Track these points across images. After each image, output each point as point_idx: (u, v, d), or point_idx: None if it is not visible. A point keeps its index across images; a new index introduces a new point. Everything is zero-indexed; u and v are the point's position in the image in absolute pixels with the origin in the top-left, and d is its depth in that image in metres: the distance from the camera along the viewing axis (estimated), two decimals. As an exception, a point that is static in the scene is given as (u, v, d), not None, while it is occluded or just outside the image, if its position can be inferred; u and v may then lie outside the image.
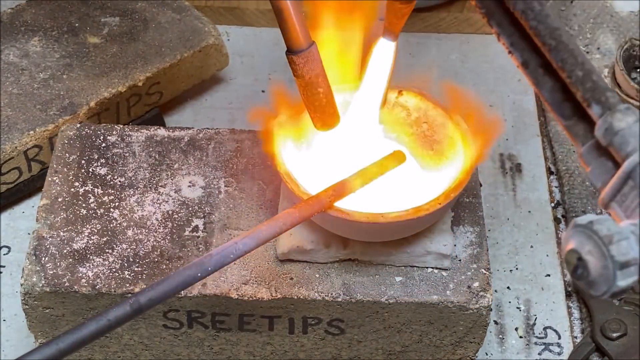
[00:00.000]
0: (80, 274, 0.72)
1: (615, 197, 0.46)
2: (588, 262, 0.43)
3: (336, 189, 0.67)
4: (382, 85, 0.73)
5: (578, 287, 0.44)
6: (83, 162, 0.79)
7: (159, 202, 0.77)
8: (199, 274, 0.60)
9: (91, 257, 0.73)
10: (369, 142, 0.75)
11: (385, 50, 0.71)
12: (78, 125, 0.82)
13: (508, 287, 0.86)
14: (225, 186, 0.79)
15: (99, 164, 0.79)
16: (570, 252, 0.44)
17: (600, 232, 0.43)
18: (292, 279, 0.73)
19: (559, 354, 0.82)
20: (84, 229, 0.75)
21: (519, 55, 0.51)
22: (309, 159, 0.74)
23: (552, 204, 0.92)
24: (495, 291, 0.85)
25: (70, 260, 0.73)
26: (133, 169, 0.79)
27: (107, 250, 0.74)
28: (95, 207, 0.76)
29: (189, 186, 0.78)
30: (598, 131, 0.46)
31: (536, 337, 0.83)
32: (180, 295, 0.72)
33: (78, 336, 0.55)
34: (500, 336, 0.83)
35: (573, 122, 0.49)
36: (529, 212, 0.92)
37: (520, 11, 0.50)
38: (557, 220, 0.91)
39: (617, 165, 0.46)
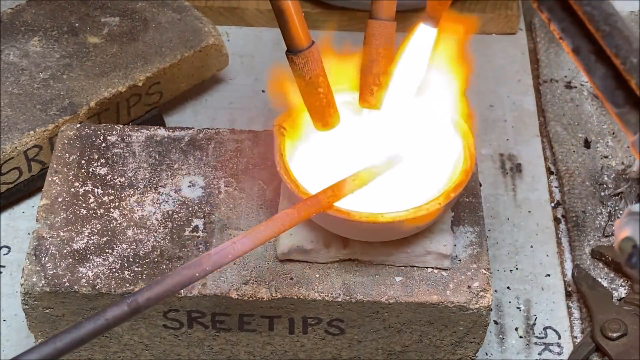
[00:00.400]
0: (80, 274, 0.72)
1: None
2: None
3: (335, 189, 0.67)
4: (419, 73, 0.72)
5: (631, 275, 0.44)
6: (83, 162, 0.79)
7: (159, 202, 0.77)
8: (197, 274, 0.60)
9: (91, 257, 0.73)
10: (369, 142, 0.75)
11: (425, 36, 0.70)
12: (78, 125, 0.82)
13: (508, 287, 0.86)
14: (225, 186, 0.79)
15: (99, 164, 0.79)
16: (625, 240, 0.43)
17: None
18: (292, 279, 0.73)
19: (559, 354, 0.82)
20: (84, 229, 0.75)
21: (570, 41, 0.50)
22: (309, 159, 0.74)
23: (552, 204, 0.92)
24: (495, 291, 0.85)
25: (70, 260, 0.73)
26: (133, 169, 0.79)
27: (107, 250, 0.74)
28: (95, 207, 0.76)
29: (189, 186, 0.78)
30: None
31: (536, 337, 0.83)
32: (180, 295, 0.72)
33: (76, 335, 0.55)
34: (500, 336, 0.83)
35: (626, 110, 0.48)
36: (529, 212, 0.92)
37: None
38: (557, 220, 0.91)
39: None
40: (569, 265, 0.88)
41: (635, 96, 0.47)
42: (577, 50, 0.50)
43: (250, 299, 0.72)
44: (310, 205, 0.66)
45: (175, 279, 0.59)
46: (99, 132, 0.82)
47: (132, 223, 0.76)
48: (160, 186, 0.78)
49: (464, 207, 0.77)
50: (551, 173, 0.95)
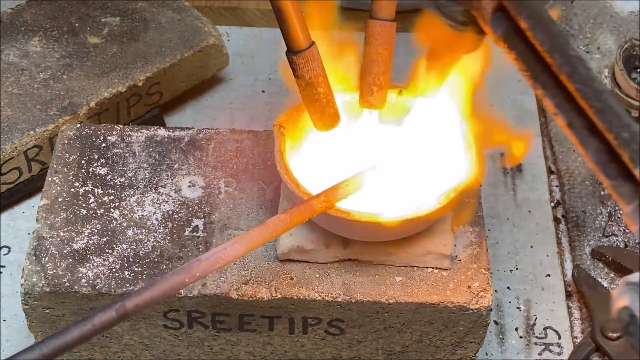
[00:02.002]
0: (80, 274, 0.72)
1: None
2: None
3: (328, 194, 0.67)
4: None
5: (630, 343, 0.45)
6: (83, 162, 0.79)
7: (159, 202, 0.77)
8: (187, 280, 0.60)
9: (91, 257, 0.73)
10: (369, 142, 0.75)
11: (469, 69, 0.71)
12: (78, 125, 0.82)
13: (508, 287, 0.86)
14: (225, 186, 0.79)
15: (99, 164, 0.79)
16: (622, 310, 0.45)
17: None
18: (292, 279, 0.73)
19: (559, 354, 0.82)
20: (84, 229, 0.75)
21: (564, 117, 0.52)
22: (309, 159, 0.74)
23: (552, 204, 0.92)
24: (495, 291, 0.85)
25: (70, 260, 0.73)
26: (133, 169, 0.79)
27: (107, 251, 0.74)
28: (95, 207, 0.76)
29: (189, 186, 0.78)
30: None
31: (536, 337, 0.83)
32: (180, 295, 0.72)
33: (62, 341, 0.55)
34: (501, 336, 0.83)
35: (619, 182, 0.49)
36: (529, 212, 0.92)
37: (566, 74, 0.51)
38: (557, 220, 0.91)
39: None
40: (569, 265, 0.88)
41: (627, 169, 0.49)
42: (571, 125, 0.52)
43: (250, 299, 0.72)
44: (303, 210, 0.66)
45: (164, 284, 0.59)
46: (99, 132, 0.82)
47: (132, 223, 0.76)
48: (160, 186, 0.78)
49: (464, 207, 0.77)
50: (551, 173, 0.95)
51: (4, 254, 0.87)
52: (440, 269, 0.74)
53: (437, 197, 0.70)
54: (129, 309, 0.57)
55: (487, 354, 0.82)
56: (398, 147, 0.76)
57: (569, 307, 0.85)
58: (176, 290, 0.60)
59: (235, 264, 0.73)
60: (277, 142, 0.72)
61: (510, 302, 0.85)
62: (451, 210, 0.76)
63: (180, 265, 0.61)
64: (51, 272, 0.72)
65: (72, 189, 0.77)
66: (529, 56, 0.54)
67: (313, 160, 0.74)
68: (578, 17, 1.07)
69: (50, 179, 0.78)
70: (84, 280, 0.72)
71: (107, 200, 0.77)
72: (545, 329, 0.83)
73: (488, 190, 0.93)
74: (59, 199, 0.77)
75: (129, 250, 0.74)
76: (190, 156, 0.80)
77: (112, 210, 0.76)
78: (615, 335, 0.79)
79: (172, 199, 0.77)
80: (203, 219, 0.76)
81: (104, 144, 0.81)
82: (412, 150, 0.76)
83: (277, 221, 0.65)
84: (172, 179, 0.79)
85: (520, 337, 0.83)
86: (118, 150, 0.80)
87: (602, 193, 0.91)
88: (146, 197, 0.77)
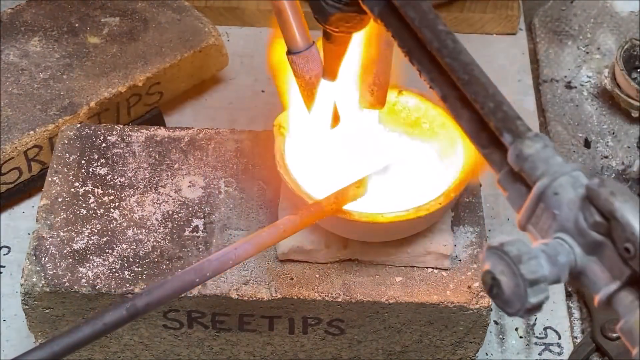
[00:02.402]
0: (80, 274, 0.72)
1: (530, 220, 0.48)
2: (501, 281, 0.45)
3: (338, 196, 0.67)
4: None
5: (496, 305, 0.47)
6: (83, 162, 0.79)
7: (159, 202, 0.77)
8: (197, 279, 0.60)
9: (91, 257, 0.73)
10: (370, 142, 0.75)
11: (326, 91, 0.72)
12: (78, 125, 0.82)
13: (508, 287, 0.86)
14: (225, 186, 0.79)
15: (99, 164, 0.79)
16: (485, 273, 0.47)
17: (511, 252, 0.45)
18: (292, 279, 0.73)
19: (559, 354, 0.82)
20: (84, 229, 0.75)
21: (438, 90, 0.54)
22: (309, 159, 0.74)
23: (552, 204, 0.92)
24: (495, 291, 0.85)
25: (70, 260, 0.73)
26: (133, 169, 0.79)
27: (107, 251, 0.74)
28: (95, 207, 0.76)
29: (189, 186, 0.78)
30: (510, 158, 0.49)
31: (536, 337, 0.83)
32: (180, 295, 0.71)
33: (73, 340, 0.55)
34: (501, 336, 0.83)
35: (490, 151, 0.51)
36: (529, 212, 0.91)
37: (436, 49, 0.53)
38: (557, 220, 0.91)
39: (530, 189, 0.49)
40: (569, 265, 0.87)
41: (495, 137, 0.50)
42: (445, 97, 0.54)
43: (250, 299, 0.72)
44: (314, 212, 0.66)
45: (175, 283, 0.59)
46: (99, 132, 0.82)
47: (132, 223, 0.76)
48: (160, 186, 0.78)
49: (464, 207, 0.77)
50: (551, 173, 0.95)
51: (4, 254, 0.87)
52: (440, 269, 0.74)
53: (437, 197, 0.70)
54: (139, 307, 0.57)
55: (487, 354, 0.82)
56: (398, 147, 0.76)
57: (569, 307, 0.85)
58: (186, 290, 0.60)
59: (235, 264, 0.73)
60: (277, 142, 0.72)
61: (510, 302, 0.85)
62: (451, 210, 0.76)
63: (190, 265, 0.61)
64: (51, 272, 0.72)
65: (72, 189, 0.77)
66: (404, 33, 0.55)
67: (313, 160, 0.74)
68: (578, 17, 1.07)
69: (50, 179, 0.78)
70: (84, 280, 0.72)
71: (107, 200, 0.77)
72: (545, 329, 0.83)
73: (488, 190, 0.92)
74: (59, 199, 0.77)
75: (129, 250, 0.74)
76: (190, 156, 0.80)
77: (112, 210, 0.76)
78: (615, 335, 0.79)
79: (172, 199, 0.77)
80: (203, 219, 0.76)
81: (104, 144, 0.81)
82: (412, 150, 0.76)
83: (288, 222, 0.64)
84: (172, 179, 0.79)
85: (520, 337, 0.83)
86: (118, 150, 0.80)
87: (602, 193, 0.91)
88: (146, 197, 0.77)
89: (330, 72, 0.68)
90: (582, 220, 0.46)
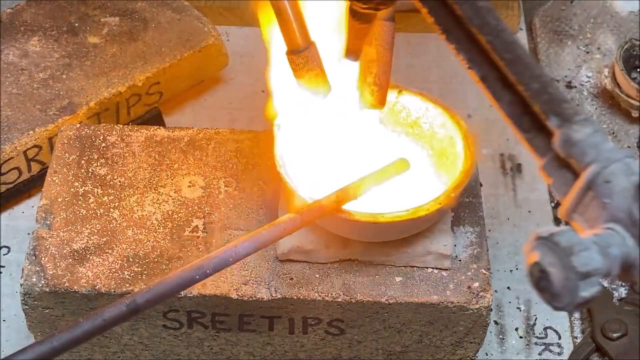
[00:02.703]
0: (80, 274, 0.72)
1: (576, 209, 0.46)
2: (551, 274, 0.44)
3: (339, 195, 0.67)
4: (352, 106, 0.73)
5: (543, 299, 0.45)
6: (83, 162, 0.79)
7: (158, 202, 0.77)
8: (197, 277, 0.60)
9: (91, 257, 0.73)
10: (370, 142, 0.75)
11: (349, 70, 0.71)
12: (78, 125, 0.82)
13: (508, 287, 0.86)
14: (225, 186, 0.79)
15: (99, 164, 0.79)
16: (533, 265, 0.44)
17: (561, 243, 0.43)
18: (292, 279, 0.73)
19: (559, 354, 0.82)
20: (83, 229, 0.75)
21: (477, 70, 0.51)
22: (309, 159, 0.74)
23: (552, 204, 0.92)
24: (496, 291, 0.85)
25: (70, 260, 0.73)
26: (133, 169, 0.79)
27: (107, 251, 0.74)
28: (95, 207, 0.76)
29: (189, 186, 0.78)
30: (557, 143, 0.47)
31: (536, 337, 0.83)
32: (180, 295, 0.71)
33: (73, 335, 0.55)
34: (501, 336, 0.83)
35: (532, 135, 0.49)
36: (529, 212, 0.92)
37: (476, 26, 0.50)
38: (557, 220, 0.91)
39: (577, 176, 0.46)
40: (569, 265, 0.87)
41: (539, 121, 0.48)
42: (485, 78, 0.51)
43: (250, 299, 0.72)
44: (314, 210, 0.66)
45: (175, 281, 0.59)
46: (98, 132, 0.82)
47: (132, 223, 0.76)
48: (160, 186, 0.78)
49: (464, 207, 0.77)
50: (551, 173, 0.95)
51: (4, 254, 0.87)
52: (440, 269, 0.74)
53: (437, 197, 0.70)
54: (139, 304, 0.57)
55: (487, 354, 0.82)
56: (398, 147, 0.76)
57: (569, 307, 0.85)
58: (186, 287, 0.60)
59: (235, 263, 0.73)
60: (277, 142, 0.72)
61: (510, 302, 0.85)
62: (451, 210, 0.76)
63: (188, 263, 0.61)
64: (51, 272, 0.72)
65: (72, 189, 0.77)
66: (441, 10, 0.53)
67: (313, 160, 0.74)
68: (578, 17, 1.07)
69: (50, 179, 0.78)
70: (83, 280, 0.72)
71: (107, 200, 0.77)
72: (545, 329, 0.83)
73: (488, 190, 0.92)
74: (59, 199, 0.77)
75: (128, 250, 0.74)
76: (190, 156, 0.80)
77: (112, 210, 0.76)
78: (615, 335, 0.79)
79: (172, 199, 0.77)
80: (203, 219, 0.76)
81: (103, 144, 0.81)
82: (412, 150, 0.76)
83: (289, 221, 0.64)
84: (172, 179, 0.79)
85: (520, 337, 0.83)
86: (118, 150, 0.80)
87: (602, 193, 0.91)
88: (146, 197, 0.77)
89: (353, 51, 0.66)
90: (636, 210, 0.43)
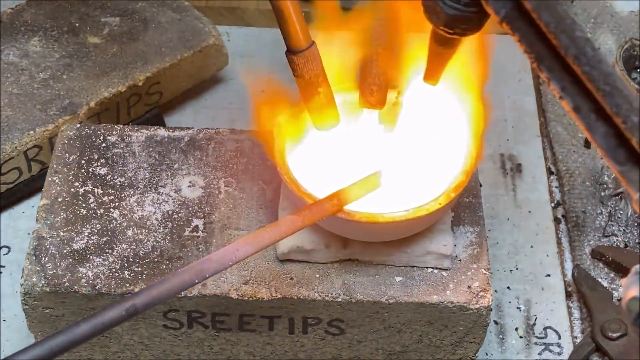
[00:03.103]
0: (80, 274, 0.72)
1: None
2: None
3: (340, 196, 0.67)
4: (417, 128, 0.73)
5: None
6: (83, 162, 0.79)
7: (159, 202, 0.77)
8: (196, 280, 0.60)
9: (91, 257, 0.73)
10: (369, 142, 0.75)
11: (423, 93, 0.70)
12: (78, 125, 0.82)
13: (508, 287, 0.86)
14: (225, 186, 0.79)
15: (99, 164, 0.79)
16: (632, 300, 0.44)
17: None
18: (292, 279, 0.73)
19: (559, 354, 0.82)
20: (84, 229, 0.75)
21: (570, 100, 0.51)
22: (309, 159, 0.74)
23: (552, 204, 0.92)
24: (495, 291, 0.85)
25: (70, 260, 0.73)
26: (133, 169, 0.79)
27: (107, 250, 0.74)
28: (95, 207, 0.76)
29: (189, 186, 0.78)
30: None
31: (536, 337, 0.83)
32: (180, 295, 0.71)
33: (70, 337, 0.55)
34: (501, 336, 0.83)
35: (628, 168, 0.48)
36: (529, 212, 0.92)
37: (572, 56, 0.49)
38: (557, 220, 0.91)
39: None
40: (569, 265, 0.88)
41: (636, 154, 0.47)
42: (578, 109, 0.50)
43: (250, 299, 0.72)
44: (315, 211, 0.66)
45: (173, 283, 0.59)
46: (99, 132, 0.82)
47: (132, 223, 0.76)
48: (160, 186, 0.78)
49: (464, 207, 0.77)
50: (551, 173, 0.95)
51: (4, 254, 0.87)
52: (440, 269, 0.74)
53: (437, 197, 0.70)
54: (138, 307, 0.57)
55: (487, 354, 0.82)
56: (398, 147, 0.76)
57: (569, 307, 0.85)
58: (185, 289, 0.60)
59: (235, 264, 0.73)
60: (277, 142, 0.72)
61: (510, 302, 0.85)
62: (451, 210, 0.76)
63: (189, 264, 0.61)
64: (51, 272, 0.72)
65: (72, 189, 0.77)
66: (534, 38, 0.52)
67: (313, 160, 0.74)
68: (578, 17, 1.07)
69: (50, 179, 0.78)
70: (83, 280, 0.72)
71: (107, 200, 0.77)
72: (545, 329, 0.83)
73: (488, 190, 0.93)
74: (59, 199, 0.77)
75: (129, 250, 0.74)
76: (190, 156, 0.80)
77: (112, 210, 0.76)
78: (615, 335, 0.79)
79: (172, 199, 0.77)
80: (203, 219, 0.76)
81: (103, 144, 0.81)
82: (412, 150, 0.76)
83: (289, 222, 0.64)
84: (172, 179, 0.79)
85: (520, 337, 0.83)
86: (118, 150, 0.80)
87: (602, 194, 0.91)
88: (146, 197, 0.77)
89: (432, 76, 0.65)
90: None
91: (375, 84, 0.71)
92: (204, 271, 0.60)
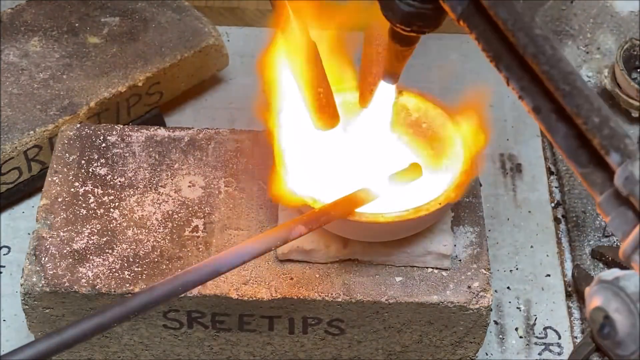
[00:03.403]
0: (80, 274, 0.72)
1: (638, 249, 0.43)
2: (615, 320, 0.42)
3: (347, 203, 0.66)
4: (382, 127, 0.73)
5: (603, 347, 0.42)
6: (83, 162, 0.79)
7: (159, 202, 0.77)
8: (180, 290, 0.58)
9: (91, 257, 0.73)
10: (369, 144, 0.75)
11: (386, 92, 0.70)
12: (78, 125, 0.82)
13: (508, 287, 0.86)
14: (225, 186, 0.79)
15: (99, 164, 0.79)
16: (595, 310, 0.42)
17: (628, 288, 0.41)
18: (292, 279, 0.73)
19: (559, 354, 0.82)
20: (84, 229, 0.75)
21: (530, 100, 0.49)
22: (309, 159, 0.74)
23: (552, 204, 0.92)
24: (495, 291, 0.85)
25: (70, 260, 0.73)
26: (133, 169, 0.79)
27: (107, 251, 0.74)
28: (95, 207, 0.76)
29: (189, 186, 0.78)
30: (618, 180, 0.44)
31: (536, 337, 0.83)
32: (179, 295, 0.71)
33: (71, 335, 0.54)
34: (501, 336, 0.83)
35: (590, 170, 0.47)
36: (529, 212, 0.92)
37: (531, 55, 0.48)
38: (557, 220, 0.91)
39: (639, 215, 0.44)
40: (569, 265, 0.88)
41: (598, 155, 0.46)
42: (538, 109, 0.49)
43: (250, 299, 0.72)
44: (320, 219, 0.64)
45: (168, 287, 0.58)
46: (99, 132, 0.82)
47: (132, 223, 0.76)
48: (160, 186, 0.78)
49: (464, 207, 0.77)
50: (551, 173, 0.95)
51: (4, 254, 0.87)
52: (440, 269, 0.74)
53: (437, 197, 0.70)
54: (105, 323, 0.56)
55: (487, 354, 0.82)
56: (398, 146, 0.76)
57: (569, 307, 0.85)
58: (179, 295, 0.59)
59: (235, 264, 0.73)
60: (277, 142, 0.72)
61: (510, 302, 0.85)
62: (451, 210, 0.76)
63: (189, 267, 0.60)
64: (51, 272, 0.72)
65: (72, 189, 0.77)
66: (491, 35, 0.51)
67: (313, 160, 0.74)
68: (578, 17, 1.07)
69: (50, 179, 0.78)
70: (83, 280, 0.72)
71: (107, 200, 0.77)
72: (545, 329, 0.83)
73: (488, 190, 0.93)
74: (59, 199, 0.77)
75: (128, 250, 0.74)
76: (190, 156, 0.80)
77: (112, 210, 0.76)
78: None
79: (172, 199, 0.77)
80: (203, 219, 0.76)
81: (103, 144, 0.81)
82: (412, 151, 0.76)
83: (293, 231, 0.63)
84: (172, 179, 0.79)
85: (520, 337, 0.83)
86: (118, 150, 0.80)
87: (602, 193, 0.91)
88: (146, 197, 0.77)
89: (392, 73, 0.65)
90: None
91: (375, 84, 0.71)
92: (196, 282, 0.58)
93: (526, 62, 0.49)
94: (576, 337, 0.83)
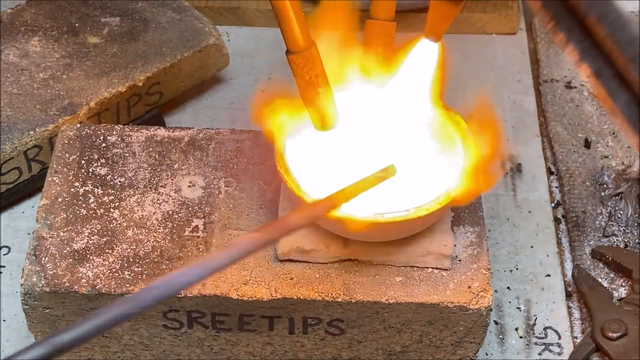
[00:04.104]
0: (80, 274, 0.72)
1: None
2: None
3: (331, 199, 0.66)
4: (424, 86, 0.72)
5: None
6: (83, 162, 0.79)
7: (159, 202, 0.77)
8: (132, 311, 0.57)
9: (91, 257, 0.73)
10: (369, 143, 0.75)
11: (427, 51, 0.70)
12: (78, 125, 0.82)
13: (508, 287, 0.86)
14: (225, 186, 0.79)
15: (99, 164, 0.79)
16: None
17: None
18: (292, 279, 0.73)
19: (559, 354, 0.82)
20: (84, 229, 0.75)
21: (591, 64, 0.47)
22: (309, 159, 0.74)
23: (552, 204, 0.92)
24: (495, 291, 0.85)
25: (70, 260, 0.73)
26: (133, 169, 0.79)
27: (107, 251, 0.74)
28: (95, 207, 0.76)
29: (189, 186, 0.78)
30: None
31: (536, 337, 0.83)
32: (180, 296, 0.72)
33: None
34: (501, 336, 0.83)
35: None
36: (529, 212, 0.92)
37: (594, 17, 0.46)
38: (557, 220, 0.91)
39: None
40: (569, 265, 0.88)
41: None
42: (598, 73, 0.47)
43: (250, 299, 0.72)
44: (305, 215, 0.64)
45: (161, 290, 0.56)
46: (99, 132, 0.82)
47: (132, 223, 0.76)
48: (160, 186, 0.78)
49: (464, 207, 0.77)
50: (551, 173, 0.95)
51: (4, 254, 0.87)
52: (440, 269, 0.74)
53: (437, 197, 0.70)
54: (58, 346, 0.55)
55: (487, 354, 0.82)
56: (398, 146, 0.76)
57: (569, 307, 0.85)
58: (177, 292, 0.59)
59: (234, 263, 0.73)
60: (277, 142, 0.72)
61: (510, 302, 0.85)
62: (451, 210, 0.76)
63: (184, 266, 0.60)
64: (51, 272, 0.72)
65: (72, 189, 0.77)
66: None
67: (313, 160, 0.74)
68: (578, 17, 1.07)
69: (50, 179, 0.78)
70: (84, 280, 0.72)
71: (107, 200, 0.77)
72: (545, 329, 0.83)
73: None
74: (59, 199, 0.77)
75: (129, 250, 0.74)
76: (190, 156, 0.80)
77: (112, 210, 0.76)
78: (615, 335, 0.79)
79: (172, 199, 0.77)
80: (203, 219, 0.76)
81: (104, 144, 0.81)
82: (411, 150, 0.76)
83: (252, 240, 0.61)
84: (172, 179, 0.79)
85: (520, 337, 0.83)
86: (118, 150, 0.80)
87: (602, 194, 0.91)
88: (146, 197, 0.77)
89: (435, 33, 0.64)
90: None
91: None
92: (185, 285, 0.57)
93: (587, 25, 0.47)
94: (576, 337, 0.83)
